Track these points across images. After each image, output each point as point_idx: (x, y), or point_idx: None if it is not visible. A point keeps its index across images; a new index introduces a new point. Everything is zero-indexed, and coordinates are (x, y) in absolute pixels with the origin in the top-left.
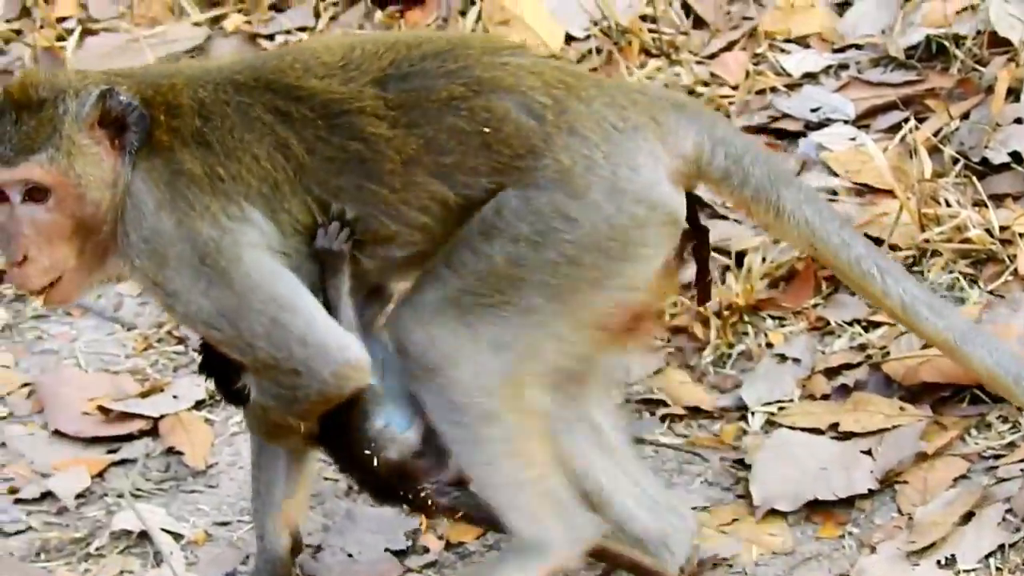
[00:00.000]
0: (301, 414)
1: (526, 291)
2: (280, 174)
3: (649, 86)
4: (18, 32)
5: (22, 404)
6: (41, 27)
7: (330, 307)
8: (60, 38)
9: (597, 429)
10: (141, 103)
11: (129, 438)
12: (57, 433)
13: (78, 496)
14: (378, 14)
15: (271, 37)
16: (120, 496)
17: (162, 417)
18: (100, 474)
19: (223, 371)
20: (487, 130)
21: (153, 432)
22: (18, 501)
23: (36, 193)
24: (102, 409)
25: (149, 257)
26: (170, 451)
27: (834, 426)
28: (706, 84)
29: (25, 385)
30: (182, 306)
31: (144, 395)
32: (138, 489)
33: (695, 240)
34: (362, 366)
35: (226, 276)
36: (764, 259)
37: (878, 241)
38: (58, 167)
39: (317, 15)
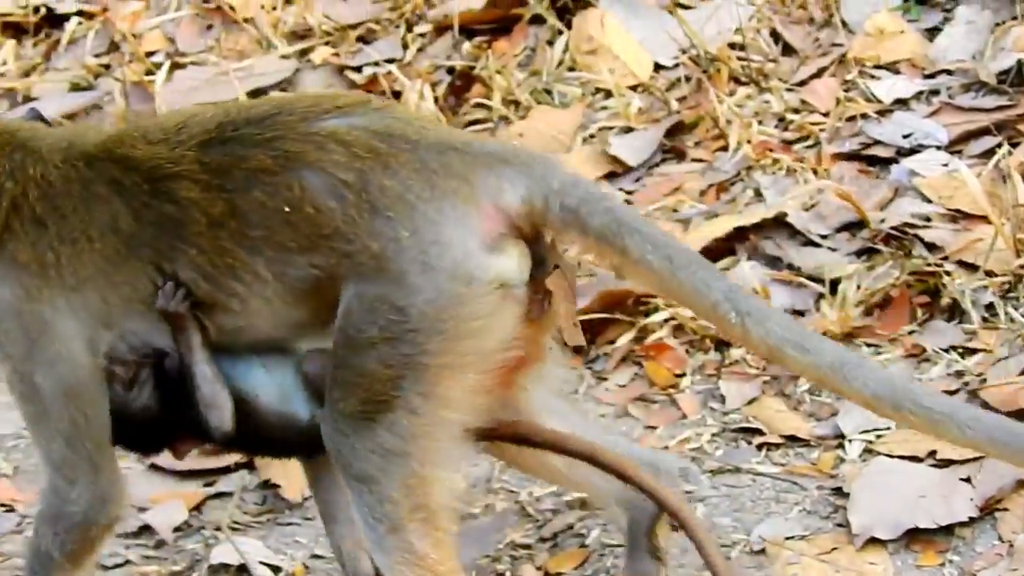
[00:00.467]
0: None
1: (405, 388)
2: (114, 248)
3: (479, 140)
4: (107, 67)
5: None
6: (130, 61)
7: (184, 367)
8: (149, 72)
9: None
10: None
11: (225, 471)
12: (153, 467)
13: (176, 529)
14: (466, 45)
15: (359, 69)
16: (218, 529)
17: None
18: (197, 507)
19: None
20: (287, 209)
21: (249, 465)
22: (116, 535)
23: None
24: None
25: None
26: (266, 484)
27: (932, 453)
28: (796, 111)
29: None
30: (8, 378)
31: None
32: (235, 522)
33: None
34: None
35: (50, 367)
36: (858, 286)
37: (973, 267)
38: None
39: (405, 47)
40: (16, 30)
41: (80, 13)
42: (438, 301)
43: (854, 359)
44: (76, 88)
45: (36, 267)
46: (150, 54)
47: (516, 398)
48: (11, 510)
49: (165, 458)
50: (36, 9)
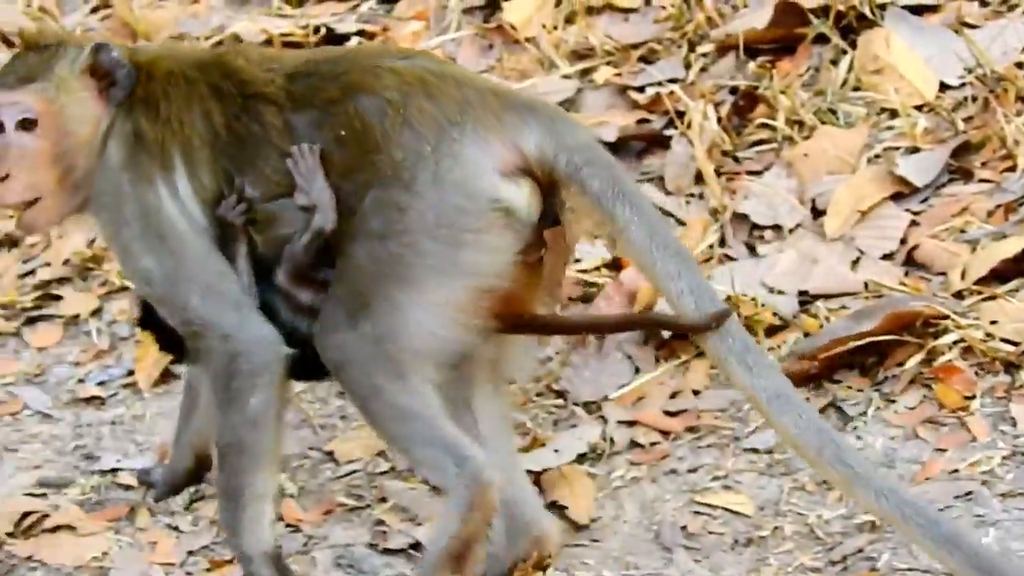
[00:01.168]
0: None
1: (385, 284)
2: (202, 145)
3: (513, 89)
4: None
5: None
6: None
7: None
8: None
9: (475, 416)
10: (130, 64)
11: None
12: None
13: None
14: (750, 64)
15: (641, 89)
16: None
17: (544, 471)
18: None
19: (161, 325)
20: (343, 132)
21: (535, 486)
22: (385, 551)
23: (27, 123)
24: None
25: (108, 209)
26: (553, 505)
27: None
28: None
29: None
30: (133, 261)
31: (525, 450)
32: None
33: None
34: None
35: (166, 239)
36: None
37: None
38: (46, 97)
39: (687, 66)
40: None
41: (361, 33)
42: (440, 209)
43: (792, 397)
44: None
45: (155, 147)
46: None
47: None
48: (297, 530)
49: None
50: (316, 29)
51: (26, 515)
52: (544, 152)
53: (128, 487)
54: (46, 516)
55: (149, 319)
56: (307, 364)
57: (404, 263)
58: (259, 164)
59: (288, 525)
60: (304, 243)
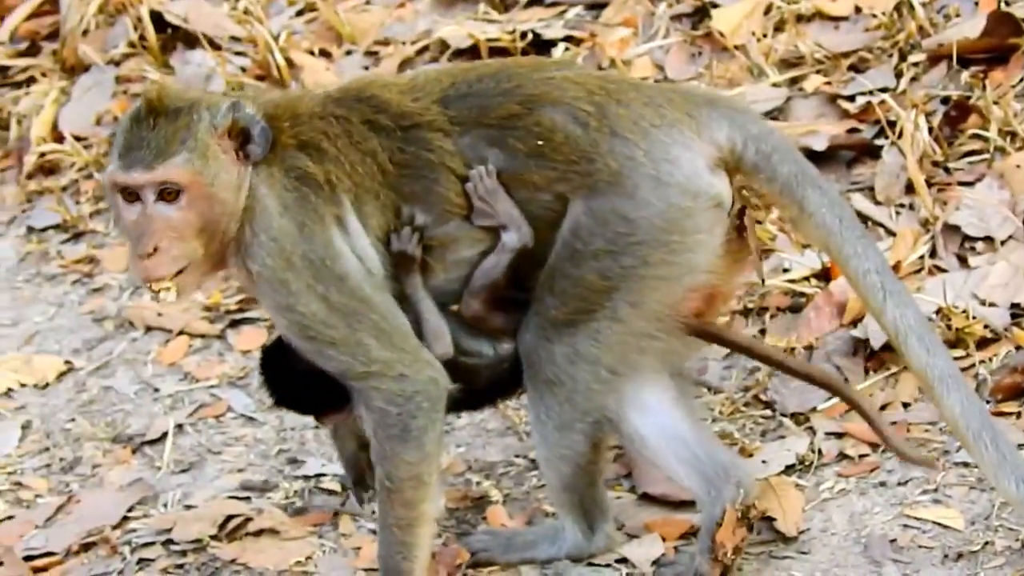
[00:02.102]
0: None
1: (615, 299)
2: (368, 180)
3: (685, 86)
4: None
5: (610, 467)
6: None
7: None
8: None
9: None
10: (264, 118)
11: None
12: (645, 496)
13: (653, 563)
14: (963, 74)
15: (851, 98)
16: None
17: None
18: (684, 536)
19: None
20: (540, 143)
21: None
22: (591, 564)
23: (168, 193)
24: None
25: (276, 256)
26: (761, 516)
27: None
28: None
29: (612, 448)
30: (302, 306)
31: None
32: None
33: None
34: (443, 373)
35: (341, 280)
36: None
37: None
38: (193, 168)
39: (898, 75)
40: (504, 56)
41: (568, 39)
42: (668, 214)
43: (958, 379)
44: None
45: (323, 187)
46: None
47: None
48: None
49: (657, 486)
50: (523, 35)
51: (230, 518)
52: (735, 143)
53: (332, 492)
54: (249, 519)
55: (272, 376)
56: (470, 397)
57: (636, 276)
58: (431, 191)
59: None
60: (504, 265)
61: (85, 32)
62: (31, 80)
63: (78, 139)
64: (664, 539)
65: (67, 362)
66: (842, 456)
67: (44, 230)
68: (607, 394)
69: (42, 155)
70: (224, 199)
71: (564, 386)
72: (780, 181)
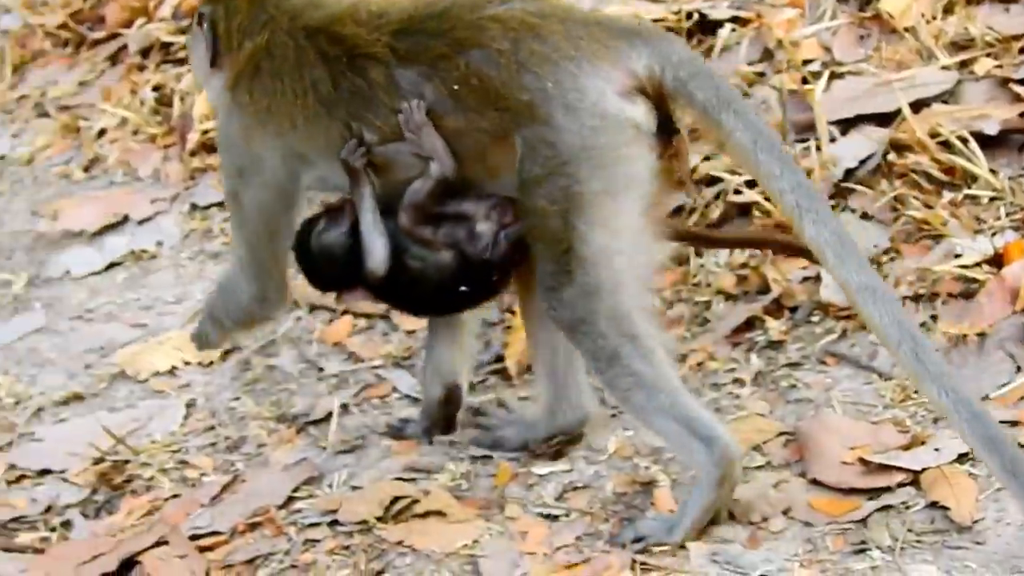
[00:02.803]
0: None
1: (573, 222)
2: (315, 106)
3: (613, 17)
4: (761, 75)
5: (779, 453)
6: (786, 70)
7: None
8: (804, 81)
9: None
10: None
11: (887, 490)
12: (815, 482)
13: None
14: None
15: (1023, 82)
16: (881, 548)
17: (924, 470)
18: (862, 521)
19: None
20: (457, 87)
21: (914, 484)
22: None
23: None
24: (862, 460)
25: (220, 150)
26: (934, 505)
27: None
28: None
29: (782, 434)
30: (227, 195)
31: (905, 447)
32: (899, 540)
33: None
34: (279, 302)
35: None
36: None
37: None
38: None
39: None
40: None
41: (734, 19)
42: (581, 133)
43: (882, 289)
44: None
45: (255, 112)
46: (806, 63)
47: None
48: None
49: (828, 473)
50: (689, 15)
51: (396, 500)
52: (653, 71)
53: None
54: (416, 501)
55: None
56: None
57: (575, 192)
58: (371, 116)
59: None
60: (427, 190)
61: None
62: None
63: None
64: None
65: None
66: (1019, 446)
67: (207, 207)
68: (628, 315)
69: (205, 132)
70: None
71: (588, 322)
72: (697, 106)
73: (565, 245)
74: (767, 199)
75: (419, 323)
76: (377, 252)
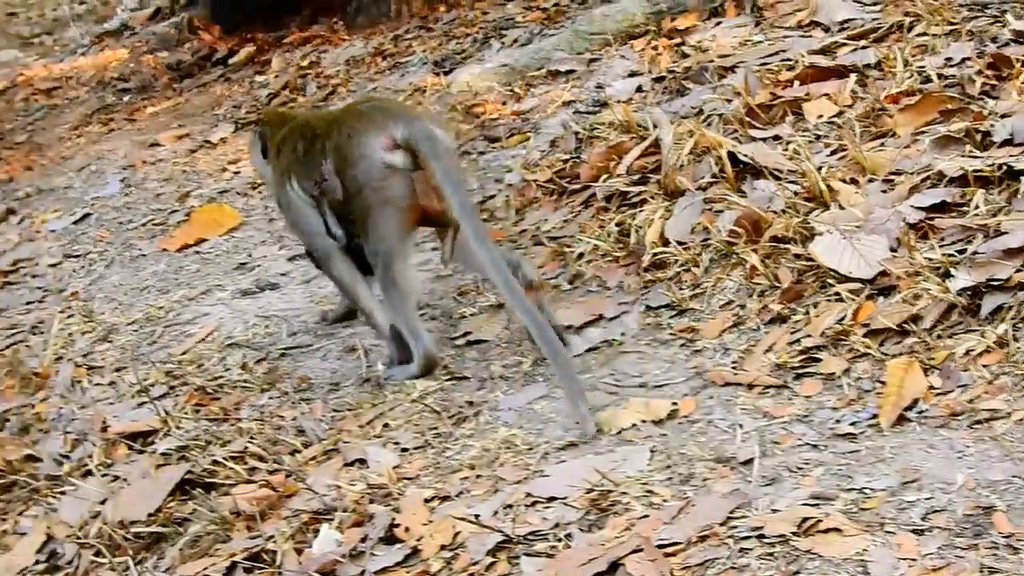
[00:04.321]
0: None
1: (371, 214)
2: (296, 162)
3: (389, 107)
4: None
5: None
6: None
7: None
8: None
9: None
10: (264, 134)
11: None
12: None
13: None
14: None
15: None
16: None
17: None
18: None
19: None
20: (335, 151)
21: None
22: None
23: None
24: None
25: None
26: None
27: None
28: None
29: None
30: (282, 217)
31: None
32: None
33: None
34: (327, 245)
35: (285, 206)
36: None
37: None
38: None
39: None
40: (985, 181)
41: None
42: (366, 171)
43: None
44: None
45: (282, 170)
46: None
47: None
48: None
49: None
50: (1000, 167)
51: (805, 519)
52: (405, 136)
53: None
54: (819, 521)
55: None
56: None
57: (367, 203)
58: (318, 169)
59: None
60: (336, 209)
61: (680, 167)
62: (643, 201)
63: (679, 243)
64: None
65: (674, 403)
66: None
67: (658, 308)
68: (394, 260)
69: (654, 255)
70: (260, 173)
71: (377, 260)
72: (421, 156)
73: (365, 226)
74: None
75: (813, 390)
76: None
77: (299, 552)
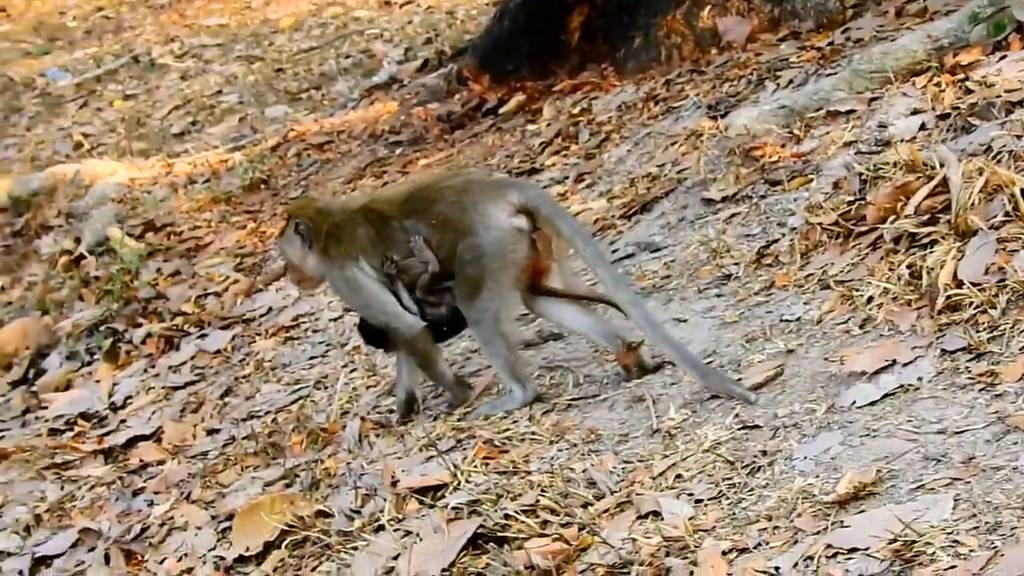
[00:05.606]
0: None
1: (483, 281)
2: (368, 246)
3: (497, 179)
4: None
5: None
6: None
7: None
8: None
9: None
10: (311, 225)
11: None
12: None
13: None
14: None
15: None
16: None
17: None
18: None
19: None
20: (433, 222)
21: None
22: None
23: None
24: None
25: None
26: None
27: None
28: None
29: None
30: (343, 299)
31: None
32: None
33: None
34: (417, 324)
35: (355, 289)
36: None
37: None
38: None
39: None
40: None
41: None
42: (492, 239)
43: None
44: None
45: (340, 257)
46: None
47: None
48: None
49: None
50: None
51: None
52: (524, 203)
53: None
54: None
55: (364, 330)
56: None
57: (487, 271)
58: (396, 247)
59: None
60: (425, 280)
61: (972, 205)
62: (933, 242)
63: (974, 284)
64: None
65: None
66: None
67: (954, 352)
68: (500, 325)
69: (948, 297)
70: (297, 264)
71: (480, 325)
72: (542, 219)
73: (476, 290)
74: None
75: None
76: (410, 306)
77: None
